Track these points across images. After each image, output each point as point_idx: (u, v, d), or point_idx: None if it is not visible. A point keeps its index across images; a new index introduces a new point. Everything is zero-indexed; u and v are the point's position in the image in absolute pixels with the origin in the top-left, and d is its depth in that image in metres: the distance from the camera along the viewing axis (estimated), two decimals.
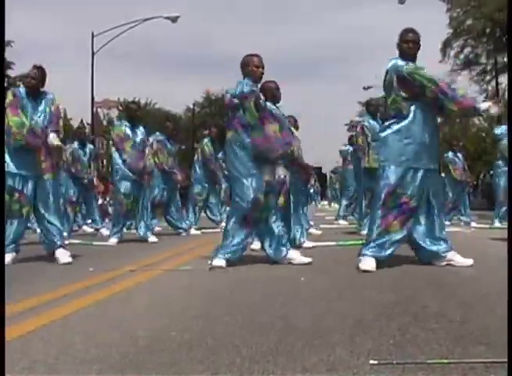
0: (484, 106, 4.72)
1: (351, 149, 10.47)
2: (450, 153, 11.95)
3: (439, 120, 5.29)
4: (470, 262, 4.77)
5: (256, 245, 7.46)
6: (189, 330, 2.59)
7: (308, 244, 6.76)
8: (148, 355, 2.21)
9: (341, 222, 11.69)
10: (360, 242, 7.14)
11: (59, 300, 3.39)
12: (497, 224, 10.63)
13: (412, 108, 4.69)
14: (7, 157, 5.35)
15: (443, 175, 11.78)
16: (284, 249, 5.06)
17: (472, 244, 7.34)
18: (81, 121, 33.78)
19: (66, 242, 5.59)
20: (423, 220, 4.80)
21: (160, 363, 2.12)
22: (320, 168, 36.29)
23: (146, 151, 8.32)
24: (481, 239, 8.07)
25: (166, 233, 9.58)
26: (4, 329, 2.37)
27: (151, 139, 9.14)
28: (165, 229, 9.88)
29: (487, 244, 7.27)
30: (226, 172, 8.40)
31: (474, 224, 11.37)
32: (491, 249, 6.51)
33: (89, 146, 10.43)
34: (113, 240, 7.84)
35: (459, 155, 12.14)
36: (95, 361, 2.15)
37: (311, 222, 9.05)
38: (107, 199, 14.87)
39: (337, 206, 15.58)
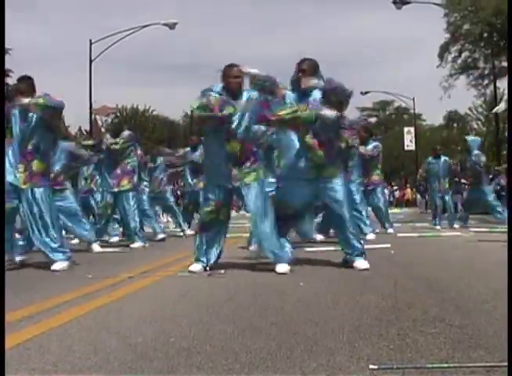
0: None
1: None
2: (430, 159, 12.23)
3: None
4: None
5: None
6: (188, 336, 2.58)
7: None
8: (147, 362, 2.21)
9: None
10: None
11: (58, 307, 3.37)
12: None
13: None
14: None
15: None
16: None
17: (471, 247, 7.34)
18: (79, 128, 33.77)
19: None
20: None
21: (159, 370, 2.11)
22: None
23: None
24: (480, 242, 8.07)
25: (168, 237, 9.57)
26: (4, 338, 2.36)
27: None
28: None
29: (486, 247, 7.26)
30: None
31: (456, 226, 11.57)
32: (489, 252, 6.50)
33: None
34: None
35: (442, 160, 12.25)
36: (94, 368, 2.14)
37: None
38: None
39: None
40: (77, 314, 3.16)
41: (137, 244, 8.19)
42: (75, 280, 4.68)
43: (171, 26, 24.43)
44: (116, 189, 8.28)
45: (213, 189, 5.08)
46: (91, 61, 23.76)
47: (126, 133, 8.52)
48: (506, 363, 2.03)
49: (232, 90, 5.06)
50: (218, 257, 5.12)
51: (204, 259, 5.02)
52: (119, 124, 9.25)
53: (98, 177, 9.50)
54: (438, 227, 11.72)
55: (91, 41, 23.65)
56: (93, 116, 28.65)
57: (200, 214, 5.24)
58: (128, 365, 2.17)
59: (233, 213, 11.51)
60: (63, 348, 2.43)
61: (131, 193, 8.36)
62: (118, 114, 45.99)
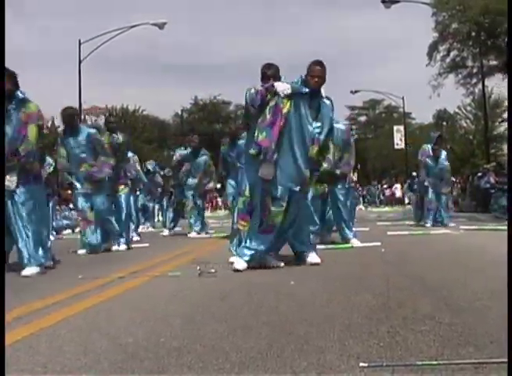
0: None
1: None
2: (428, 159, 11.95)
3: None
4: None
5: None
6: (178, 336, 2.58)
7: None
8: (137, 362, 2.20)
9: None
10: (349, 246, 7.19)
11: (48, 308, 3.36)
12: None
13: None
14: None
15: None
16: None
17: (461, 245, 7.37)
18: None
19: None
20: None
21: (150, 370, 2.11)
22: None
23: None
24: (470, 240, 8.11)
25: (157, 237, 9.56)
26: (4, 338, 2.36)
27: None
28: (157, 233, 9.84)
29: (476, 245, 7.30)
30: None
31: (451, 224, 11.49)
32: (480, 250, 6.54)
33: None
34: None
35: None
36: (84, 369, 2.13)
37: None
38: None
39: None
40: (67, 314, 3.15)
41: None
42: (65, 280, 4.67)
43: (160, 26, 24.40)
44: None
45: (284, 190, 5.08)
46: (80, 61, 23.67)
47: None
48: (494, 360, 2.05)
49: (311, 88, 5.07)
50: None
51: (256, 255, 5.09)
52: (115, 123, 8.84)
53: None
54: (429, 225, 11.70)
55: (80, 41, 23.58)
56: (83, 116, 28.46)
57: (268, 214, 5.11)
58: (118, 365, 2.17)
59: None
60: (52, 349, 2.42)
61: None
62: (108, 114, 45.87)
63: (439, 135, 12.53)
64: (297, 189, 5.12)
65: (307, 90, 5.03)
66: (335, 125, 7.39)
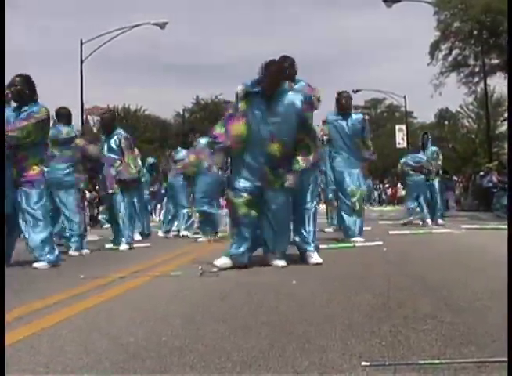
0: None
1: None
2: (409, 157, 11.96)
3: None
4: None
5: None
6: (180, 336, 2.58)
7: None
8: (139, 361, 2.20)
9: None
10: (350, 245, 7.19)
11: (49, 308, 3.36)
12: None
13: None
14: None
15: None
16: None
17: (463, 245, 7.36)
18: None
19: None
20: None
21: (151, 370, 2.10)
22: None
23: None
24: (472, 240, 8.10)
25: (157, 237, 9.55)
26: (4, 339, 2.35)
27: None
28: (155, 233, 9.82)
29: (477, 245, 7.29)
30: None
31: (440, 221, 11.47)
32: (481, 250, 6.53)
33: None
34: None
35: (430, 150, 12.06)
36: (86, 369, 2.13)
37: None
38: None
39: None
40: (68, 314, 3.14)
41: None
42: (66, 280, 4.66)
43: (162, 25, 24.41)
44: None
45: (245, 183, 5.12)
46: (81, 61, 23.69)
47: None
48: (496, 359, 2.04)
49: (267, 88, 5.05)
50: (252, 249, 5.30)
51: (240, 251, 5.15)
52: (111, 119, 8.63)
53: None
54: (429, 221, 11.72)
55: (82, 40, 23.60)
56: (85, 116, 28.45)
57: (231, 205, 5.26)
58: (119, 365, 2.16)
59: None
60: (54, 349, 2.42)
61: None
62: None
63: (424, 133, 12.66)
64: (259, 184, 5.14)
65: (259, 89, 5.11)
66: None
